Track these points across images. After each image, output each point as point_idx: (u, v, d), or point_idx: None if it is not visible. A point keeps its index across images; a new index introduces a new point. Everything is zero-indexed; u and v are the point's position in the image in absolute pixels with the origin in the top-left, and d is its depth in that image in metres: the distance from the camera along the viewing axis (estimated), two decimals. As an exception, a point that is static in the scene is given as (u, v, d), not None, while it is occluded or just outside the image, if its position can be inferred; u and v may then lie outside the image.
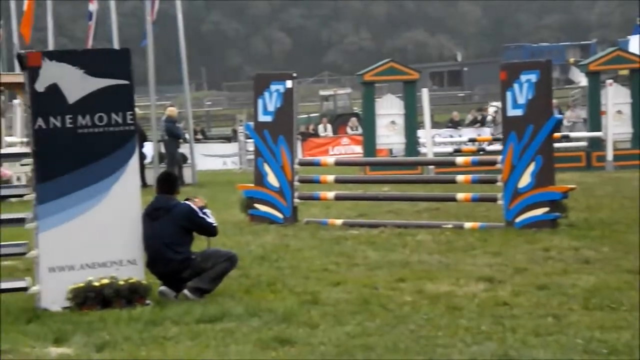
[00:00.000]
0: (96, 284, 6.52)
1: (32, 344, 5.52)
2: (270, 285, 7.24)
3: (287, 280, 7.43)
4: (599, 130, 18.81)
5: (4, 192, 8.95)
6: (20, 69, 7.01)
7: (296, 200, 11.16)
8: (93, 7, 19.68)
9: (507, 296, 6.58)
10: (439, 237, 9.48)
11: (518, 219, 9.93)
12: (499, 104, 21.94)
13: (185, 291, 6.79)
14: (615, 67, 20.17)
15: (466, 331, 5.59)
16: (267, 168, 11.20)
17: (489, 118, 23.24)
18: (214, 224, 7.02)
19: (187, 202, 7.01)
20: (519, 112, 10.01)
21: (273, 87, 11.21)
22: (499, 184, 10.15)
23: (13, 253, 6.94)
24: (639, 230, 9.29)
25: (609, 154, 18.39)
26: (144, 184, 8.95)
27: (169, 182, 7.09)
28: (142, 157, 17.03)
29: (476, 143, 19.54)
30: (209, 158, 26.17)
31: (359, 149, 24.97)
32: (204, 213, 7.05)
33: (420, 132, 20.08)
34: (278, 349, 5.36)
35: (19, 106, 18.89)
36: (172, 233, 6.83)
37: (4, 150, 13.00)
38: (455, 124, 30.31)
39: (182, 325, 5.95)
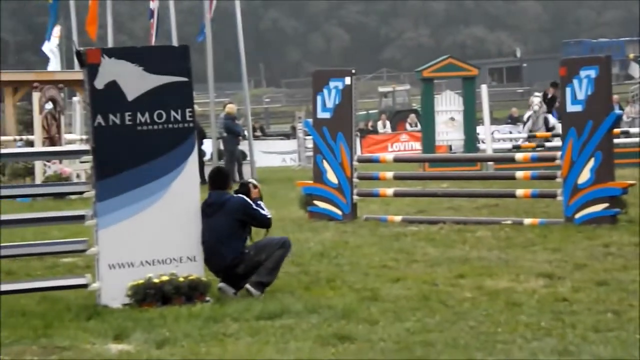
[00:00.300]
0: (156, 280, 6.52)
1: (92, 341, 5.54)
2: (330, 282, 7.19)
3: (347, 277, 7.37)
4: (658, 125, 18.29)
5: (64, 189, 9.10)
6: (79, 66, 7.05)
7: (355, 197, 11.08)
8: (154, 5, 19.89)
9: (567, 292, 6.51)
10: (499, 233, 9.39)
11: (578, 215, 9.80)
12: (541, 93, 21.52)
13: (248, 286, 6.76)
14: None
15: (526, 327, 5.54)
16: (326, 165, 11.15)
17: (532, 111, 21.60)
18: (268, 216, 6.98)
19: (240, 195, 6.95)
20: (578, 108, 9.90)
21: (332, 84, 11.16)
22: (559, 180, 10.05)
23: (73, 250, 7.01)
24: None
25: (670, 149, 17.87)
26: (203, 181, 8.94)
27: (220, 178, 7.05)
28: (201, 154, 17.15)
29: (535, 139, 19.22)
30: (268, 155, 26.28)
31: (417, 145, 24.78)
32: (258, 205, 7.01)
33: (479, 129, 19.83)
34: (337, 346, 5.31)
35: (78, 103, 19.23)
36: (226, 228, 6.80)
37: (64, 148, 13.20)
38: (514, 120, 29.88)
39: (241, 322, 5.93)
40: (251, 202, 6.95)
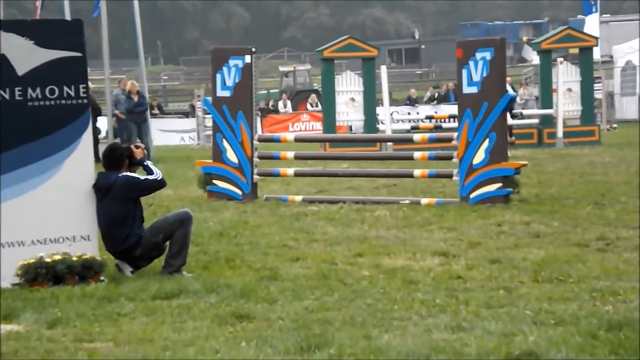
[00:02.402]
0: (48, 260, 6.35)
1: (-20, 322, 5.36)
2: (229, 262, 7.17)
3: (246, 257, 7.36)
4: (550, 107, 19.01)
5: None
6: (-34, 38, 6.76)
7: (256, 177, 11.05)
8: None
9: (461, 270, 6.67)
10: (397, 213, 9.53)
11: (472, 195, 10.04)
12: None
13: (164, 272, 6.65)
14: (566, 45, 20.44)
15: (421, 304, 5.66)
16: (225, 144, 11.06)
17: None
18: (159, 178, 6.77)
19: (125, 173, 6.76)
20: (474, 90, 10.11)
21: (232, 62, 11.05)
22: (455, 160, 10.25)
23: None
24: (586, 205, 9.47)
25: (559, 131, 18.62)
26: (97, 159, 8.73)
27: (112, 158, 6.83)
28: (96, 131, 16.72)
29: (433, 120, 19.64)
30: (166, 133, 25.88)
31: (318, 125, 24.92)
32: (145, 166, 6.85)
33: (378, 109, 20.09)
34: (236, 325, 5.30)
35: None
36: (117, 212, 6.64)
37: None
38: (413, 102, 30.42)
39: (137, 302, 5.84)
40: (137, 177, 6.75)
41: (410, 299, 5.78)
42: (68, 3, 18.39)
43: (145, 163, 6.90)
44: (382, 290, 6.05)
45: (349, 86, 19.03)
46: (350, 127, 19.50)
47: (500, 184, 9.94)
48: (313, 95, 30.36)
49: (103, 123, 18.80)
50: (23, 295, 6.04)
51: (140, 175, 6.85)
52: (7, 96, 6.44)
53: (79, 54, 6.64)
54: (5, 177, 6.40)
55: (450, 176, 10.46)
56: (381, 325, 5.22)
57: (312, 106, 29.39)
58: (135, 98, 17.91)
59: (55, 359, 4.74)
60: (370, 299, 5.83)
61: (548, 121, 19.19)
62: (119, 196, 6.65)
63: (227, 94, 11.07)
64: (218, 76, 11.12)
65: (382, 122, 18.99)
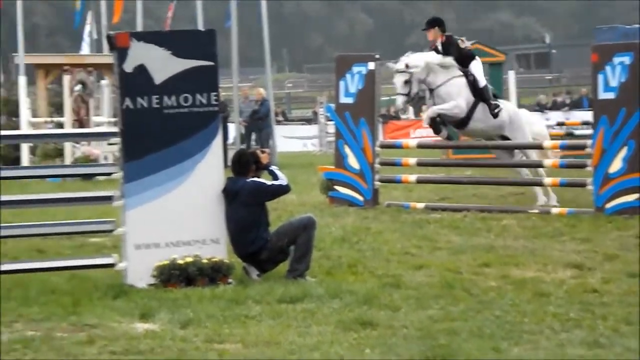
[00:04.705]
0: (180, 262, 6.62)
1: (119, 319, 5.65)
2: (351, 267, 7.23)
3: (368, 263, 7.40)
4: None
5: (92, 170, 9.24)
6: (109, 50, 7.15)
7: (377, 183, 11.10)
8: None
9: (597, 283, 6.45)
10: (525, 222, 9.31)
11: (608, 205, 9.64)
12: None
13: (288, 276, 6.80)
14: None
15: (554, 318, 5.51)
16: (347, 150, 11.16)
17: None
18: (284, 183, 6.96)
19: (252, 179, 6.93)
20: (611, 95, 9.74)
21: (355, 69, 11.15)
22: (589, 169, 9.90)
23: (101, 230, 7.12)
24: None
25: None
26: (226, 164, 9.03)
27: (239, 164, 7.06)
28: (225, 138, 17.25)
29: (564, 127, 19.09)
30: (290, 140, 26.32)
31: (440, 131, 24.64)
32: (271, 171, 7.03)
33: (505, 116, 19.68)
34: (359, 331, 5.34)
35: (106, 87, 19.37)
36: (244, 216, 6.83)
37: (93, 130, 13.36)
38: (542, 107, 29.68)
39: (264, 305, 5.99)
40: (263, 182, 6.94)
41: (542, 312, 5.63)
42: (201, 13, 19.01)
43: (270, 168, 7.09)
44: (511, 302, 5.92)
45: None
46: (475, 134, 19.21)
47: (639, 195, 9.52)
48: (436, 102, 30.03)
49: (231, 130, 19.32)
50: (158, 295, 6.31)
51: (266, 180, 7.05)
52: (145, 104, 6.76)
53: (212, 63, 6.89)
54: (142, 181, 6.71)
55: (583, 185, 10.09)
56: (510, 337, 5.11)
57: (434, 112, 29.08)
58: (257, 106, 18.36)
59: (188, 358, 4.93)
60: (499, 310, 5.72)
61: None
62: (246, 201, 6.85)
63: (350, 100, 11.18)
64: (341, 83, 11.24)
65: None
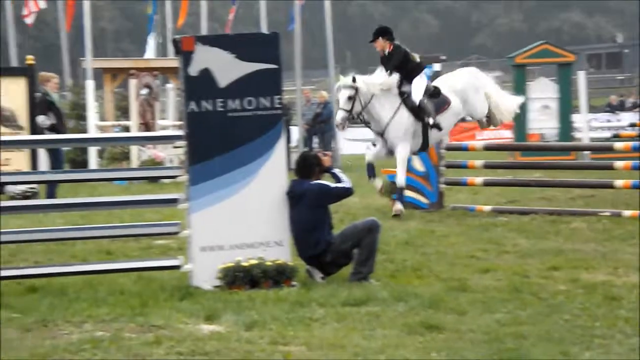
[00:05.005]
0: (245, 264, 6.65)
1: (185, 321, 5.70)
2: (416, 271, 7.17)
3: (433, 266, 7.34)
4: None
5: (158, 173, 9.37)
6: (174, 53, 7.23)
7: (442, 186, 10.99)
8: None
9: (671, 288, 6.26)
10: (595, 225, 9.13)
11: (684, 208, 9.41)
12: None
13: (352, 279, 6.79)
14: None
15: (626, 322, 5.39)
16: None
17: None
18: (347, 186, 6.95)
19: (316, 182, 6.93)
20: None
21: (420, 70, 11.05)
22: (662, 170, 9.67)
23: (167, 232, 7.21)
24: None
25: None
26: (288, 167, 9.07)
27: (304, 166, 7.07)
28: (287, 140, 17.32)
29: (637, 128, 18.63)
30: (353, 142, 26.26)
31: (508, 133, 24.31)
32: (334, 174, 7.01)
33: (575, 117, 19.38)
34: (425, 334, 5.30)
35: (171, 90, 19.67)
36: (308, 218, 6.84)
37: (159, 133, 13.56)
38: (613, 108, 29.02)
39: (328, 308, 5.98)
40: (327, 184, 6.94)
41: (613, 316, 5.53)
42: (265, 15, 19.13)
43: (333, 170, 7.07)
44: (581, 306, 5.82)
45: (542, 93, 18.54)
46: (543, 135, 18.95)
47: None
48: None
49: (294, 133, 19.39)
50: (223, 297, 6.35)
51: (329, 182, 7.03)
52: (210, 107, 6.81)
53: (275, 66, 6.90)
54: (207, 184, 6.76)
55: (657, 187, 9.89)
56: (581, 342, 5.03)
57: (501, 114, 28.69)
58: (319, 109, 18.38)
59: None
60: (568, 314, 5.63)
61: None
62: (310, 203, 6.85)
63: (416, 102, 11.07)
64: (406, 85, 11.15)
65: (578, 130, 18.30)
